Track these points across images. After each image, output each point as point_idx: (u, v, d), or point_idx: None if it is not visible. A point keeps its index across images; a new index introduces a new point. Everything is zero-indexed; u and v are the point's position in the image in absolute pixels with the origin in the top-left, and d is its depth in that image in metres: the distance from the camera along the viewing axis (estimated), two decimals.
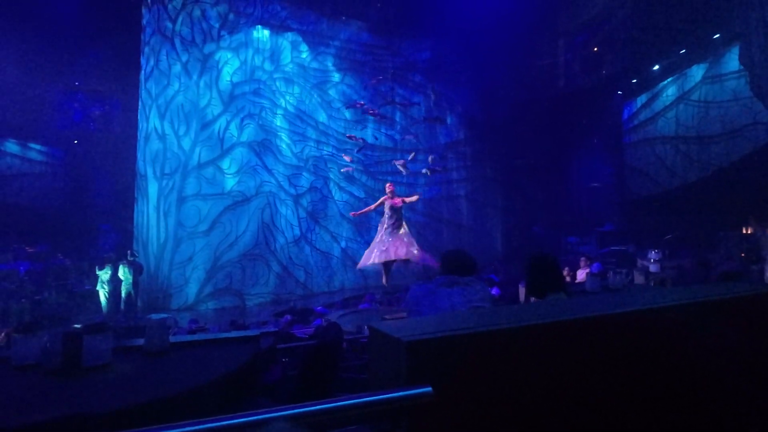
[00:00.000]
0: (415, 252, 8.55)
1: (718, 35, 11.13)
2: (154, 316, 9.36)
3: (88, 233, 14.85)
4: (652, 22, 11.97)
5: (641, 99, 14.11)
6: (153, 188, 11.52)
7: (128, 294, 10.28)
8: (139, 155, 11.98)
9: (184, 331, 6.84)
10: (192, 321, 8.50)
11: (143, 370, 1.97)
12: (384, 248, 8.46)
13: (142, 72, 12.06)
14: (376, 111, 12.84)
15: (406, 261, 8.69)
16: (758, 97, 9.66)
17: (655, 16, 11.82)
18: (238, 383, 2.02)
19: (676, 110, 12.76)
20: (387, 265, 8.69)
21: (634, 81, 13.94)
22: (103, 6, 13.05)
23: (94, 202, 15.65)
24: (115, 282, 10.24)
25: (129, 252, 10.71)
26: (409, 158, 12.52)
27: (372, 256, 8.67)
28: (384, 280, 9.03)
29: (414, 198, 9.29)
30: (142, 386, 1.81)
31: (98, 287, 10.36)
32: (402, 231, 8.60)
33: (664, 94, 13.23)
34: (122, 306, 10.29)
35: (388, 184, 9.03)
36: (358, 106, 12.83)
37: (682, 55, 12.28)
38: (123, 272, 10.25)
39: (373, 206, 9.39)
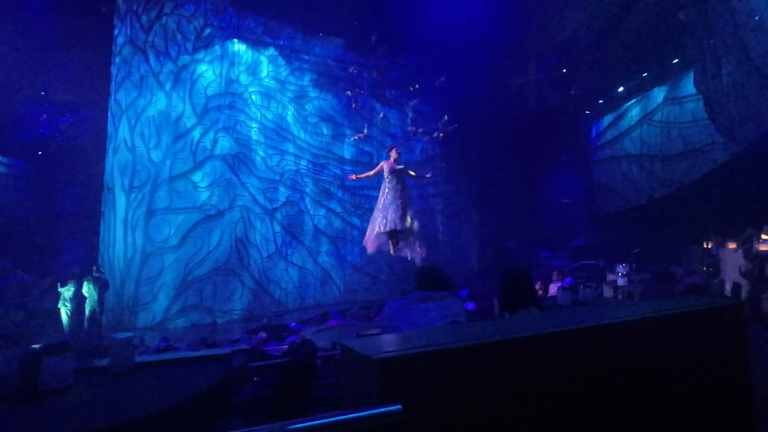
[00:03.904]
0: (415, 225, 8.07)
1: (677, 60, 11.74)
2: (119, 335, 8.95)
3: (51, 248, 14.23)
4: (616, 46, 12.56)
5: (608, 118, 14.69)
6: (121, 201, 11.18)
7: (92, 312, 9.84)
8: (108, 167, 11.64)
9: (152, 351, 6.60)
10: (162, 339, 8.22)
11: (107, 392, 1.89)
12: (386, 216, 7.82)
13: (113, 82, 11.81)
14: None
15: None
16: (711, 119, 10.20)
17: (620, 41, 12.41)
18: (209, 403, 1.96)
19: (640, 130, 13.33)
20: (392, 234, 8.00)
21: (601, 101, 14.52)
22: (72, 15, 12.76)
23: (59, 216, 15.05)
24: (78, 299, 9.79)
25: (94, 267, 10.28)
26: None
27: (375, 227, 7.96)
28: (391, 251, 8.29)
29: (419, 175, 8.51)
30: (105, 409, 1.73)
31: (60, 305, 9.87)
32: (403, 201, 7.94)
33: (629, 115, 13.81)
34: (86, 324, 9.82)
35: (393, 150, 8.22)
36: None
37: (644, 78, 12.89)
38: (87, 289, 9.83)
39: (372, 171, 8.49)
